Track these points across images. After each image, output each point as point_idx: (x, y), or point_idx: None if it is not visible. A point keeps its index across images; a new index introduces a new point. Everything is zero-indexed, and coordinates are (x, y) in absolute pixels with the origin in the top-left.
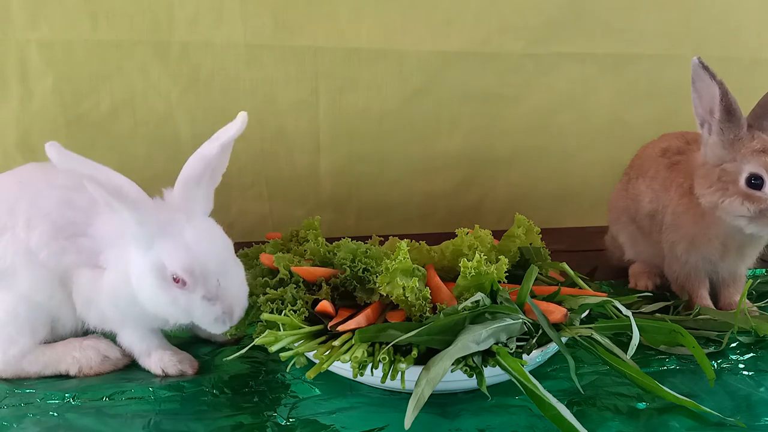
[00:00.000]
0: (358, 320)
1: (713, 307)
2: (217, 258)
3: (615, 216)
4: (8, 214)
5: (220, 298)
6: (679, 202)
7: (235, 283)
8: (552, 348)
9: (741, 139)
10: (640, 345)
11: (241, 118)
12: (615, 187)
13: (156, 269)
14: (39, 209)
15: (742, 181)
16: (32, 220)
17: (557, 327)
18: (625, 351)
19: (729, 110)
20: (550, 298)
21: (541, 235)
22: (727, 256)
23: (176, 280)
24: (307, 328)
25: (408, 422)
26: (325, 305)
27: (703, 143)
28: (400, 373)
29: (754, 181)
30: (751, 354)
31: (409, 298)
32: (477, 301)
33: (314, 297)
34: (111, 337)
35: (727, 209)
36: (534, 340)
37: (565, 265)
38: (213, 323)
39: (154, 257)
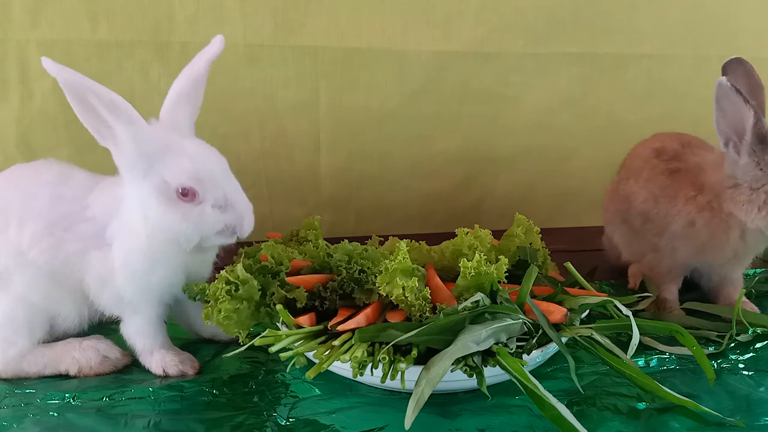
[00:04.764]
0: (358, 320)
1: (677, 302)
2: (221, 168)
3: (609, 218)
4: (1, 217)
5: (230, 205)
6: (697, 215)
7: (241, 195)
8: (552, 348)
9: None
10: (640, 345)
11: (219, 40)
12: (606, 189)
13: (159, 190)
14: (30, 209)
15: None
16: (24, 220)
17: (557, 327)
18: (625, 351)
19: (761, 135)
20: (550, 298)
21: (540, 235)
22: (731, 263)
23: (184, 193)
24: (308, 328)
25: (408, 422)
26: (302, 319)
27: (729, 161)
28: (400, 373)
29: None
30: (751, 354)
31: (409, 298)
32: (477, 301)
33: (286, 293)
34: (111, 336)
35: None
36: (534, 340)
37: (570, 265)
38: (223, 233)
39: (154, 178)
